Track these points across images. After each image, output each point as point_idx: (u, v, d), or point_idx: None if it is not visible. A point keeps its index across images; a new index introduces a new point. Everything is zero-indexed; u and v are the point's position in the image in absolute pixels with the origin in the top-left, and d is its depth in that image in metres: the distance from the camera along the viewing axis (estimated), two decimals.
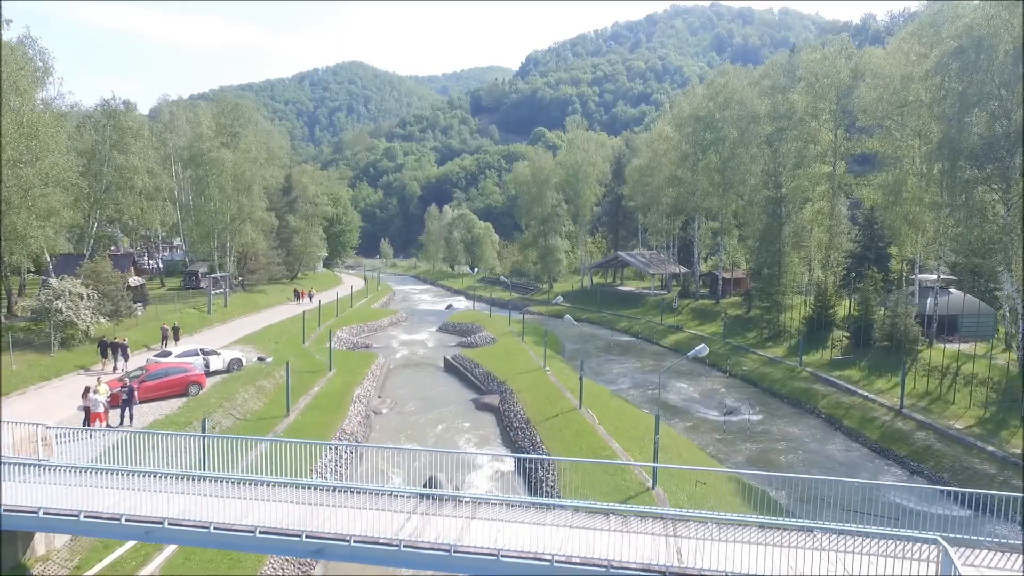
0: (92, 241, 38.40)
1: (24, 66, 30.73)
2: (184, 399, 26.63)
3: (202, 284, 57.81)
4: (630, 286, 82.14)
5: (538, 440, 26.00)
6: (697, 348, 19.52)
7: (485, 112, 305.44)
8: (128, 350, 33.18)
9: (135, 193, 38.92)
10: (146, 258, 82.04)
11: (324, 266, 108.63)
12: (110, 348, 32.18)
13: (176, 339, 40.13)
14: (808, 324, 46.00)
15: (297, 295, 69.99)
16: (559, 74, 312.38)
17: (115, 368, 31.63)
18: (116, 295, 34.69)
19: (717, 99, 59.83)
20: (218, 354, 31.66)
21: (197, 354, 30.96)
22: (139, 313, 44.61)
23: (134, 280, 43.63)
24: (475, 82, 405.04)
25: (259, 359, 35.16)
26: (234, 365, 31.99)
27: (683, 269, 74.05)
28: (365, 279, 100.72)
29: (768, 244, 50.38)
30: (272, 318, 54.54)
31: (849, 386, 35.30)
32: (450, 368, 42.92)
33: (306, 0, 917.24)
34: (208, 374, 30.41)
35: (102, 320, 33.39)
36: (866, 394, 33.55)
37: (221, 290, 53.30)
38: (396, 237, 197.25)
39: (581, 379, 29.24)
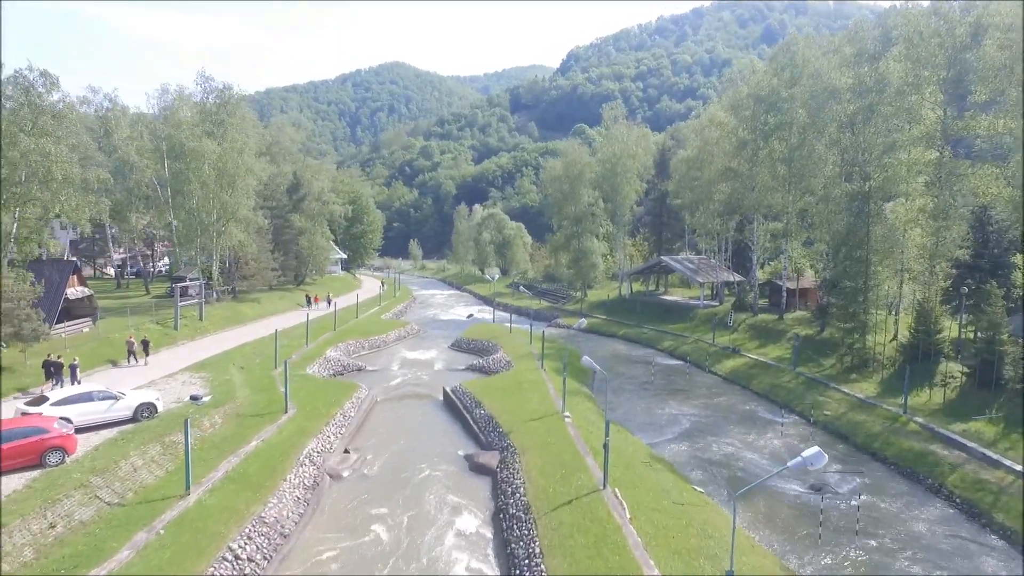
0: (12, 244, 31.35)
1: None
2: (37, 472, 18.85)
3: (190, 292, 51.07)
4: (675, 295, 72.21)
5: (537, 551, 17.24)
6: (809, 454, 10.54)
7: (524, 109, 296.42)
8: (78, 370, 29.40)
9: (57, 185, 31.77)
10: (148, 261, 76.66)
11: (344, 269, 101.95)
12: (52, 368, 28.57)
13: (147, 353, 36.22)
14: (907, 353, 36.06)
15: (309, 301, 65.72)
16: (601, 69, 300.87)
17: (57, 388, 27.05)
18: (18, 315, 27.42)
19: (783, 75, 49.73)
20: (117, 398, 23.76)
21: (91, 399, 23.19)
22: (85, 330, 37.81)
23: (75, 291, 36.65)
24: (517, 81, 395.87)
25: (192, 399, 27.32)
26: (143, 412, 24.16)
27: (737, 277, 64.02)
28: (382, 283, 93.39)
29: (851, 250, 40.39)
30: (256, 333, 47.19)
31: (984, 450, 25.42)
32: (448, 404, 34.51)
33: (352, 0, 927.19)
34: (98, 427, 22.76)
35: None
36: (1018, 468, 23.66)
37: (194, 300, 46.08)
38: (430, 237, 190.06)
39: (606, 447, 20.35)
